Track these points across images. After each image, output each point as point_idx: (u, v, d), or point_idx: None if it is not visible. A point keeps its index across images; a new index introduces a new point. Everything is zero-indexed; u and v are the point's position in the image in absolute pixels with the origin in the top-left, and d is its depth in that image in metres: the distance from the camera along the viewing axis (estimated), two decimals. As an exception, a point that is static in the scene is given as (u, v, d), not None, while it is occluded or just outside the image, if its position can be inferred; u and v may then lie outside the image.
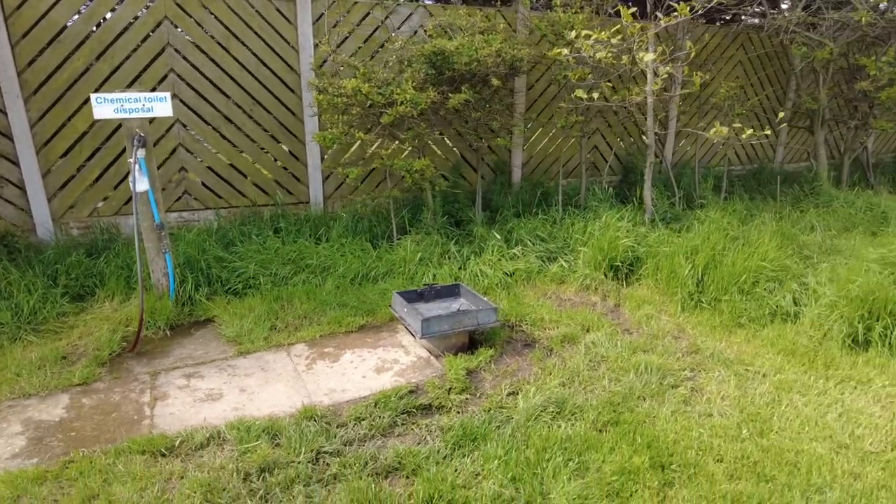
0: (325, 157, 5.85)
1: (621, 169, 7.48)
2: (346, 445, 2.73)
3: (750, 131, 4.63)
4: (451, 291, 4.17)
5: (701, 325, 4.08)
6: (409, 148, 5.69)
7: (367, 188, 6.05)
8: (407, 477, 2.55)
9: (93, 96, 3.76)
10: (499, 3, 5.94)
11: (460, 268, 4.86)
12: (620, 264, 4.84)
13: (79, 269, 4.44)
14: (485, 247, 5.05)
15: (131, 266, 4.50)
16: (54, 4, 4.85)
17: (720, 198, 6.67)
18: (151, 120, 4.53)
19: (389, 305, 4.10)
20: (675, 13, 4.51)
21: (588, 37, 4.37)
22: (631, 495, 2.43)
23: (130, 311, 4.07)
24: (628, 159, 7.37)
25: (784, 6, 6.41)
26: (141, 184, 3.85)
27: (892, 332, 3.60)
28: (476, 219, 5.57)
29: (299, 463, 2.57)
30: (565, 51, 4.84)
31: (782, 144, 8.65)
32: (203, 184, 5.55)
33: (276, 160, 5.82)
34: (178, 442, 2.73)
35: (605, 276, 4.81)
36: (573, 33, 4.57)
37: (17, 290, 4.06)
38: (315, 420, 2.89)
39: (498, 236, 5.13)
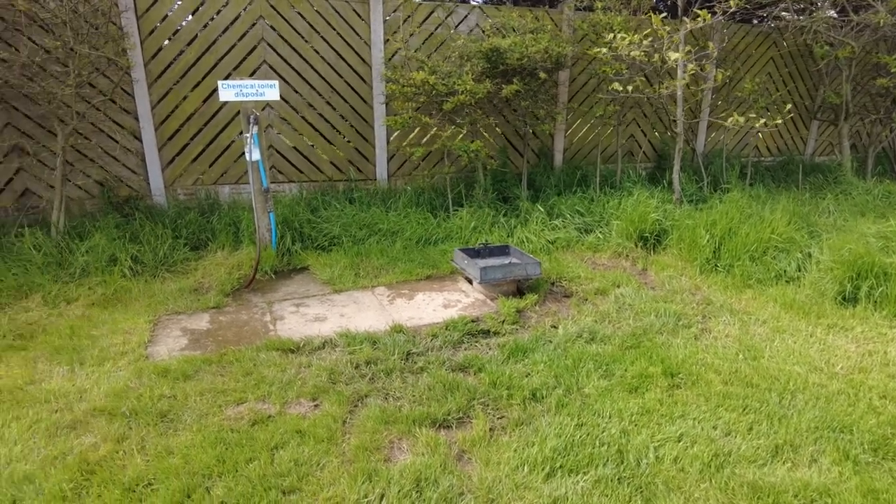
0: (391, 139, 6.72)
1: (655, 156, 8.15)
2: (427, 351, 3.59)
3: (763, 121, 5.30)
4: (502, 251, 4.98)
5: (715, 285, 4.80)
6: (464, 132, 6.51)
7: (425, 167, 6.90)
8: (474, 373, 3.39)
9: (219, 82, 4.67)
10: (547, 4, 6.69)
11: (508, 235, 5.68)
12: (649, 235, 5.57)
13: (195, 225, 5.42)
14: (529, 219, 5.86)
15: (236, 224, 5.45)
16: (173, 7, 5.83)
17: (745, 184, 7.29)
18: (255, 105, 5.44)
19: (451, 260, 4.95)
20: (700, 17, 5.18)
21: (623, 38, 5.09)
22: (646, 391, 3.21)
23: (239, 259, 5.01)
24: (662, 148, 8.04)
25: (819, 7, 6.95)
26: (255, 154, 4.76)
27: (876, 291, 4.26)
28: (522, 195, 6.37)
29: (394, 359, 3.44)
30: (604, 49, 5.57)
31: (813, 137, 9.17)
32: (287, 160, 6.48)
33: (348, 142, 6.71)
34: (301, 344, 3.63)
35: (635, 245, 5.55)
36: (610, 35, 5.30)
37: (151, 238, 5.04)
38: (402, 333, 3.76)
39: (542, 209, 5.92)
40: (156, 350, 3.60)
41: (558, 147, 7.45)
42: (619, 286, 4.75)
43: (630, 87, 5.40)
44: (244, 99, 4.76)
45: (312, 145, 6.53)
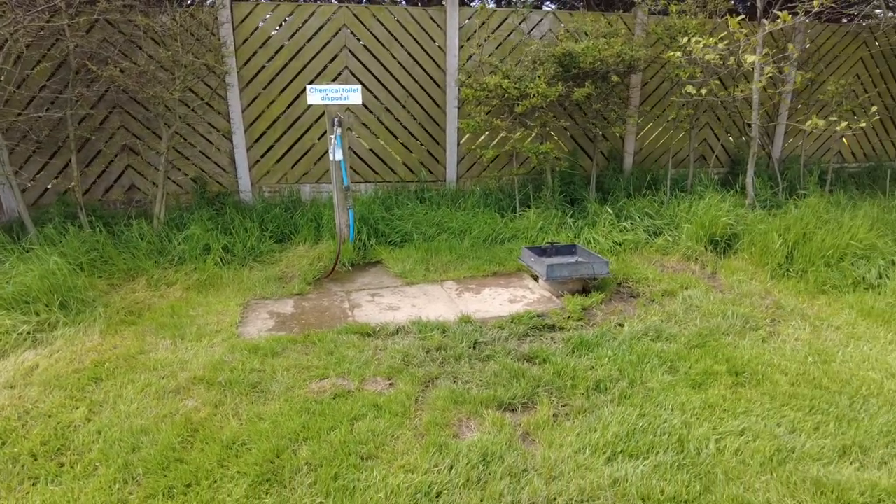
0: (461, 142, 6.95)
1: (729, 161, 7.99)
2: (494, 341, 3.77)
3: (844, 123, 5.14)
4: (569, 250, 5.09)
5: (787, 290, 4.72)
6: (534, 134, 6.66)
7: (493, 169, 7.09)
8: (539, 364, 3.53)
9: (307, 87, 5.04)
10: (620, 9, 6.73)
11: (575, 236, 5.77)
12: (719, 239, 5.52)
13: (279, 220, 5.85)
14: (597, 220, 5.93)
15: (318, 220, 5.83)
16: (265, 17, 6.30)
17: (824, 190, 7.04)
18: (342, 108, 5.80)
19: (518, 258, 5.11)
20: (779, 19, 5.11)
21: (698, 42, 5.08)
22: (710, 387, 3.26)
23: (320, 251, 5.37)
24: (736, 152, 7.88)
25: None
26: (338, 154, 5.10)
27: (964, 300, 4.08)
28: (590, 197, 6.44)
29: (463, 346, 3.64)
30: (678, 53, 5.57)
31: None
32: (364, 162, 6.83)
33: (421, 144, 6.99)
34: (377, 329, 3.91)
35: (705, 248, 5.51)
36: (685, 38, 5.29)
37: (241, 231, 5.48)
38: (470, 324, 3.96)
39: (610, 211, 5.98)
40: (246, 330, 3.97)
41: (629, 149, 7.45)
42: (687, 288, 4.76)
43: (704, 91, 5.36)
44: (329, 102, 5.10)
45: (388, 148, 6.85)
